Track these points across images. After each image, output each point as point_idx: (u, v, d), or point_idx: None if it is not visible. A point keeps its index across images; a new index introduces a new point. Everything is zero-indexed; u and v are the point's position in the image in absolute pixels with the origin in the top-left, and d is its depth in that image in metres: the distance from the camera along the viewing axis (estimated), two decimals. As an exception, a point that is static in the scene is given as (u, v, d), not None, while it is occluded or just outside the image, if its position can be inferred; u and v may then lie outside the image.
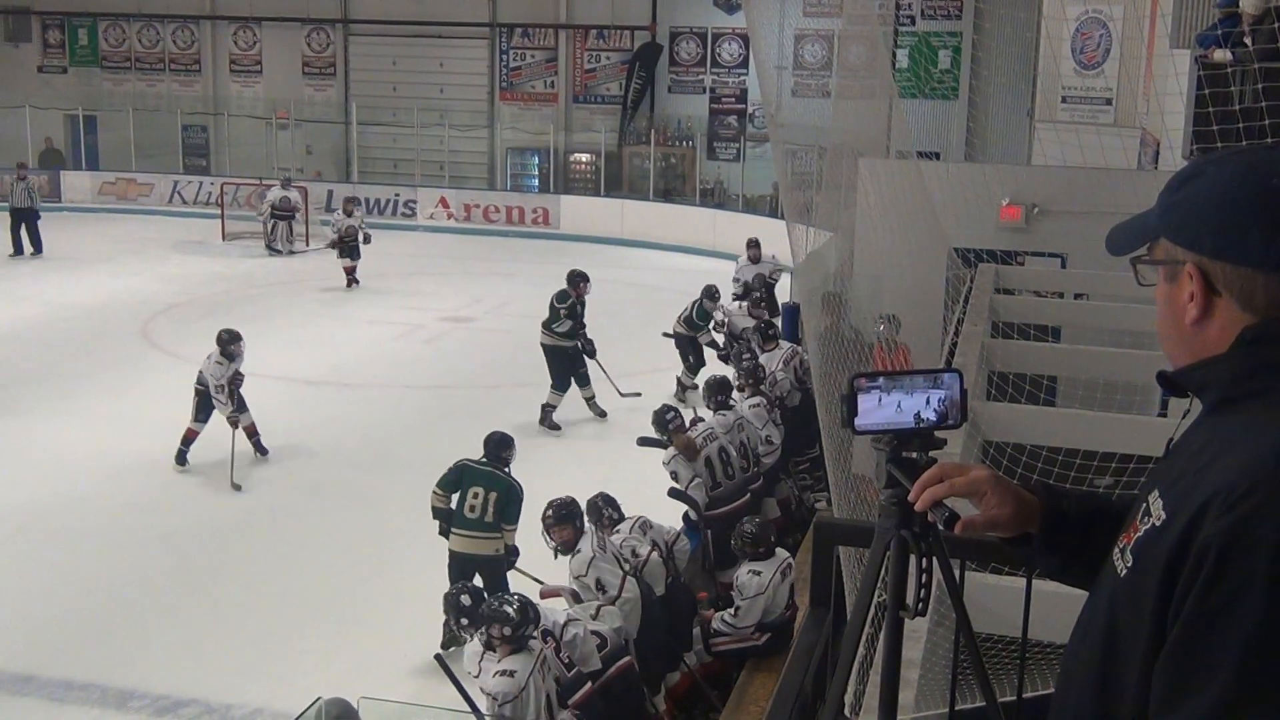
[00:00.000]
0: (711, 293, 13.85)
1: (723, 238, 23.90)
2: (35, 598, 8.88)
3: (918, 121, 18.09)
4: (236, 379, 11.22)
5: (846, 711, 3.21)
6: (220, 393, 11.08)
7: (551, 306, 12.95)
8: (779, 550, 7.59)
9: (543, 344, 12.97)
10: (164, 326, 17.03)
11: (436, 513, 8.36)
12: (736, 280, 15.72)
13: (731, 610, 7.41)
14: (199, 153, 30.23)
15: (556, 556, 7.39)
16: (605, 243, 24.56)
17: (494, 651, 6.07)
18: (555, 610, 6.66)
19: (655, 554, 7.59)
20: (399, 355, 15.53)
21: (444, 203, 27.22)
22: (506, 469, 8.40)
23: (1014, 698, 3.14)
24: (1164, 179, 1.74)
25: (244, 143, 29.47)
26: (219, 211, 25.01)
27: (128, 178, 28.45)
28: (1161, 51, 11.78)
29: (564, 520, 7.22)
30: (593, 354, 12.96)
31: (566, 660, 6.37)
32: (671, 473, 9.13)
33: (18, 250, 21.67)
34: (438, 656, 7.05)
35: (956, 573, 2.37)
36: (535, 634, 6.13)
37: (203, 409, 11.29)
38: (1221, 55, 8.19)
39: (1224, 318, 1.59)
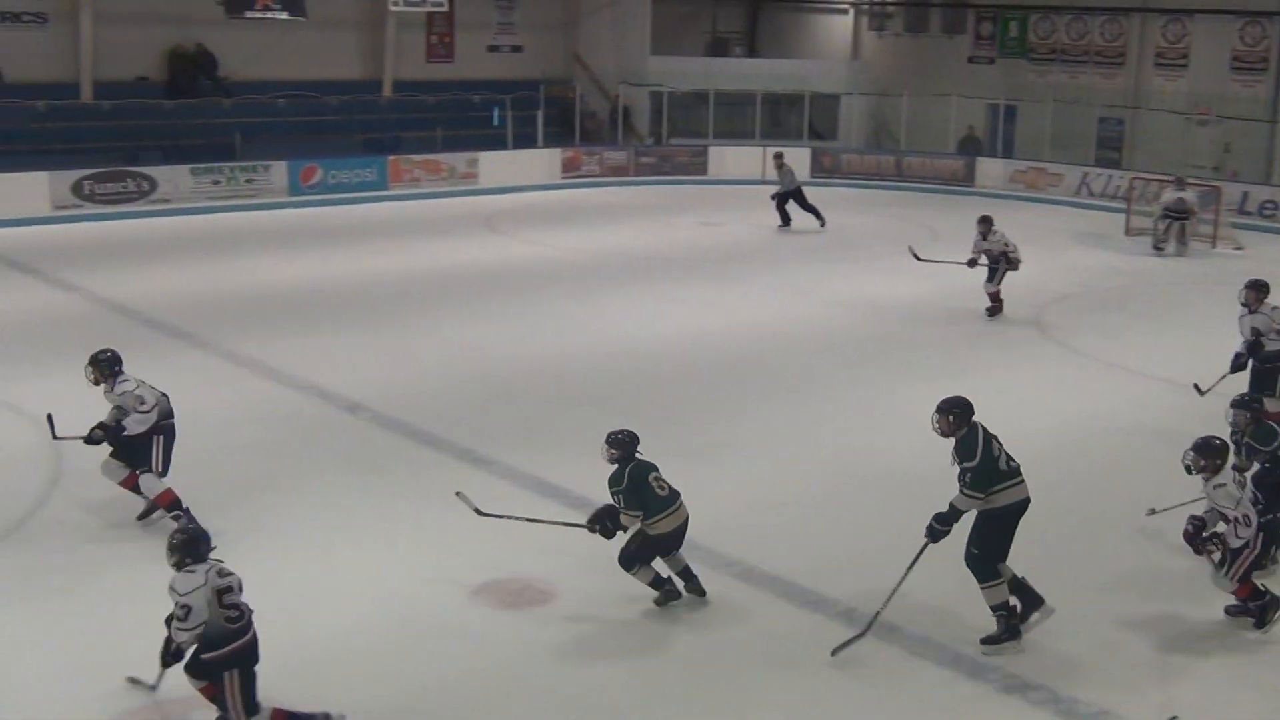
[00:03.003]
0: None
1: None
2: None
3: None
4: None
5: None
6: None
7: None
8: None
9: None
10: (1056, 316, 17.34)
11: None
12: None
13: None
14: (1112, 145, 29.97)
15: None
16: None
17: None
18: None
19: None
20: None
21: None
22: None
23: None
24: None
25: (1159, 137, 28.77)
26: (1125, 205, 24.79)
27: (1039, 167, 29.09)
28: None
29: None
30: None
31: None
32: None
33: (785, 222, 24.07)
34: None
35: None
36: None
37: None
38: None
39: None
